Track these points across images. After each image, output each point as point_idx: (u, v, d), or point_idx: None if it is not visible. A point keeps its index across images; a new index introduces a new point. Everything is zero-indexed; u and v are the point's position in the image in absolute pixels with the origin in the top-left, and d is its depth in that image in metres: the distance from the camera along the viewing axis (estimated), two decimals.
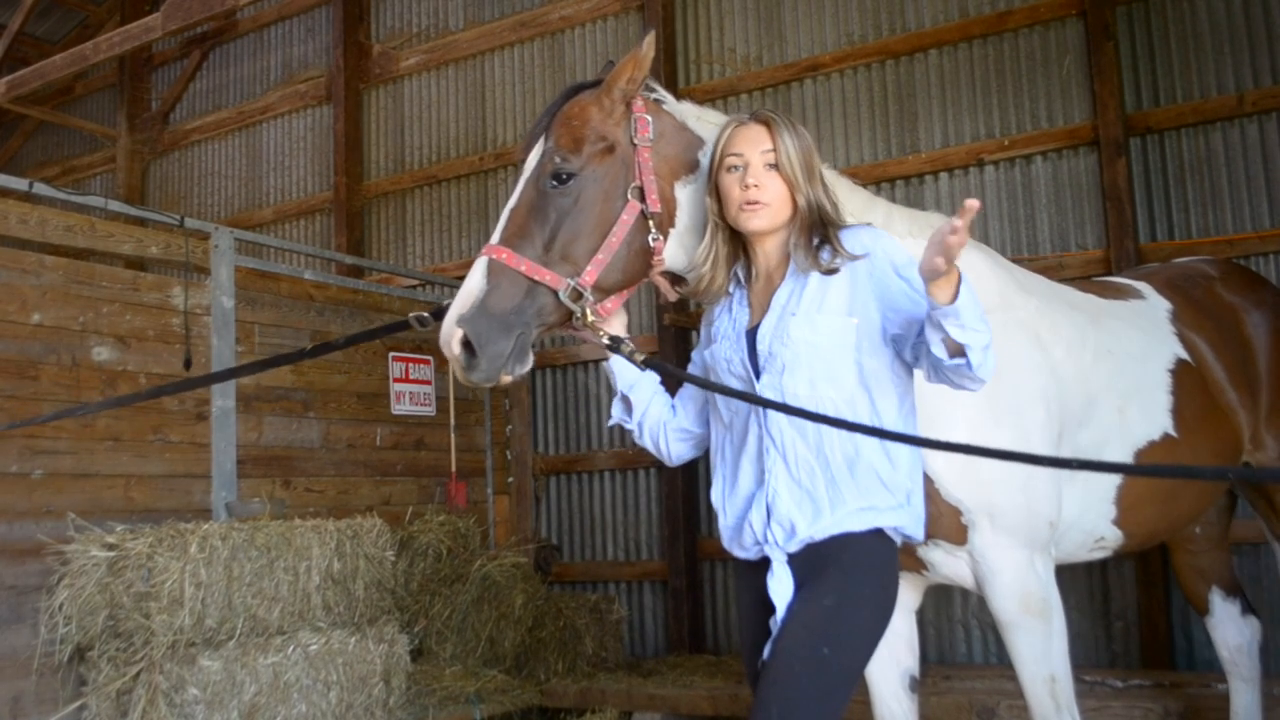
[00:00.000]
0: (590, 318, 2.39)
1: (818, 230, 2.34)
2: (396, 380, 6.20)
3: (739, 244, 2.45)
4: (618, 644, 5.99)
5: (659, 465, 6.63)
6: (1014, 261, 3.44)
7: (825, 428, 2.24)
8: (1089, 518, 2.96)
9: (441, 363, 6.47)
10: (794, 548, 2.26)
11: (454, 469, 6.42)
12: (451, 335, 2.32)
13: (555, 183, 2.44)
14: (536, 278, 2.36)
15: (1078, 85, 5.65)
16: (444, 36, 7.98)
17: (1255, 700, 3.75)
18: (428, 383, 6.40)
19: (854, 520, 2.24)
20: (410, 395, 6.27)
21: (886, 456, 2.27)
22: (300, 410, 5.60)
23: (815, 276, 2.31)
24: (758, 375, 2.35)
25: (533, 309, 2.37)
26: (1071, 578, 5.25)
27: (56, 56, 6.94)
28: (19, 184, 4.61)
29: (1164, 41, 5.50)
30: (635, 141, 2.49)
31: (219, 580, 4.04)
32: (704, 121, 2.61)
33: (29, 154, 10.69)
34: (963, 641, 5.62)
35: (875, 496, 2.25)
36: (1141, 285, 3.54)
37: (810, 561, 2.26)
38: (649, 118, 2.52)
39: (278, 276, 5.69)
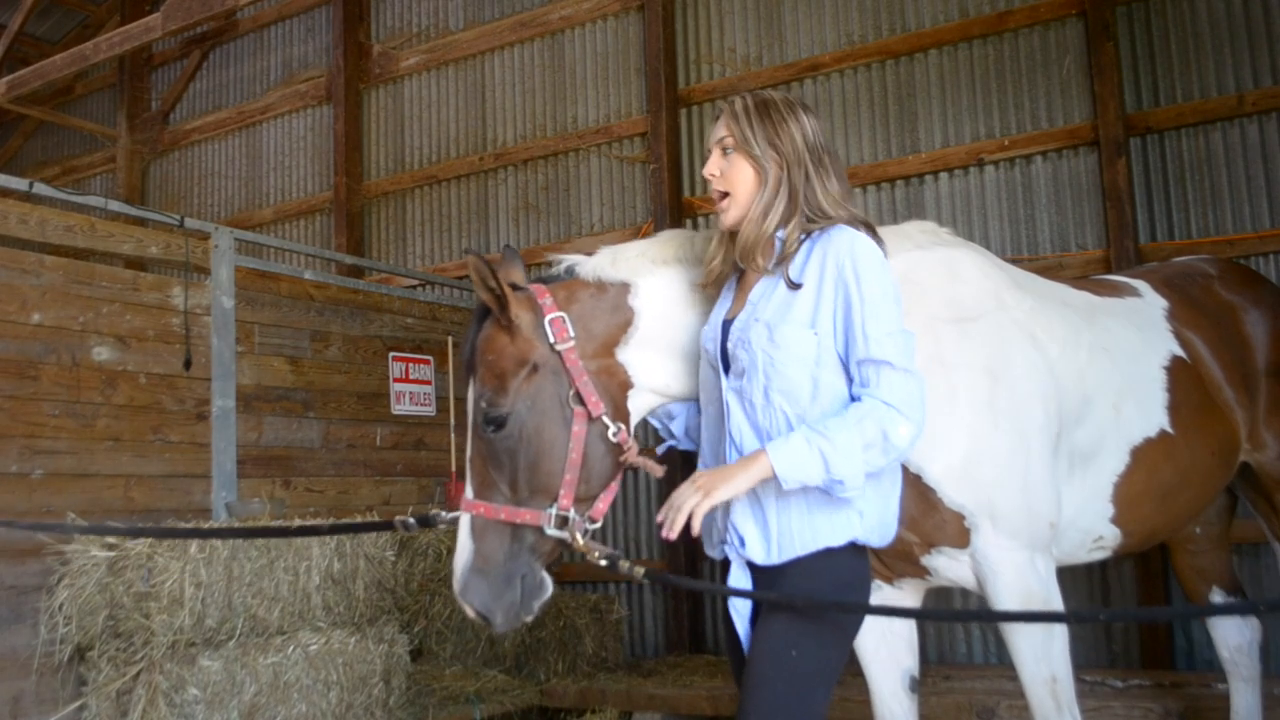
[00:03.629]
0: (581, 542, 2.32)
1: (782, 217, 2.28)
2: (396, 380, 6.20)
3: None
4: (618, 644, 5.99)
5: None
6: (1013, 262, 3.45)
7: (777, 435, 2.20)
8: (1086, 516, 2.96)
9: (441, 362, 6.47)
10: (750, 559, 2.26)
11: (454, 469, 6.41)
12: (464, 605, 2.36)
13: (493, 428, 2.34)
14: (518, 520, 2.33)
15: (1078, 85, 5.65)
16: (444, 36, 7.98)
17: (1255, 700, 3.74)
18: (428, 383, 6.40)
19: (797, 546, 2.21)
20: (410, 395, 6.27)
21: None
22: (300, 410, 5.60)
23: (783, 285, 2.27)
24: (726, 371, 2.34)
25: (524, 550, 2.35)
26: (1071, 578, 5.24)
27: (56, 56, 6.94)
28: (19, 184, 4.61)
29: (1164, 41, 5.50)
30: (557, 348, 2.37)
31: (219, 580, 4.04)
32: (621, 261, 2.51)
33: (29, 154, 10.69)
34: (962, 641, 5.62)
35: (822, 512, 2.21)
36: (1138, 283, 3.54)
37: (770, 572, 2.25)
38: (563, 315, 2.39)
39: (278, 276, 5.69)
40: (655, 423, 2.70)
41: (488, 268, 2.30)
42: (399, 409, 6.18)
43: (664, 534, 2.18)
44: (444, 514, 2.45)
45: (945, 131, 6.00)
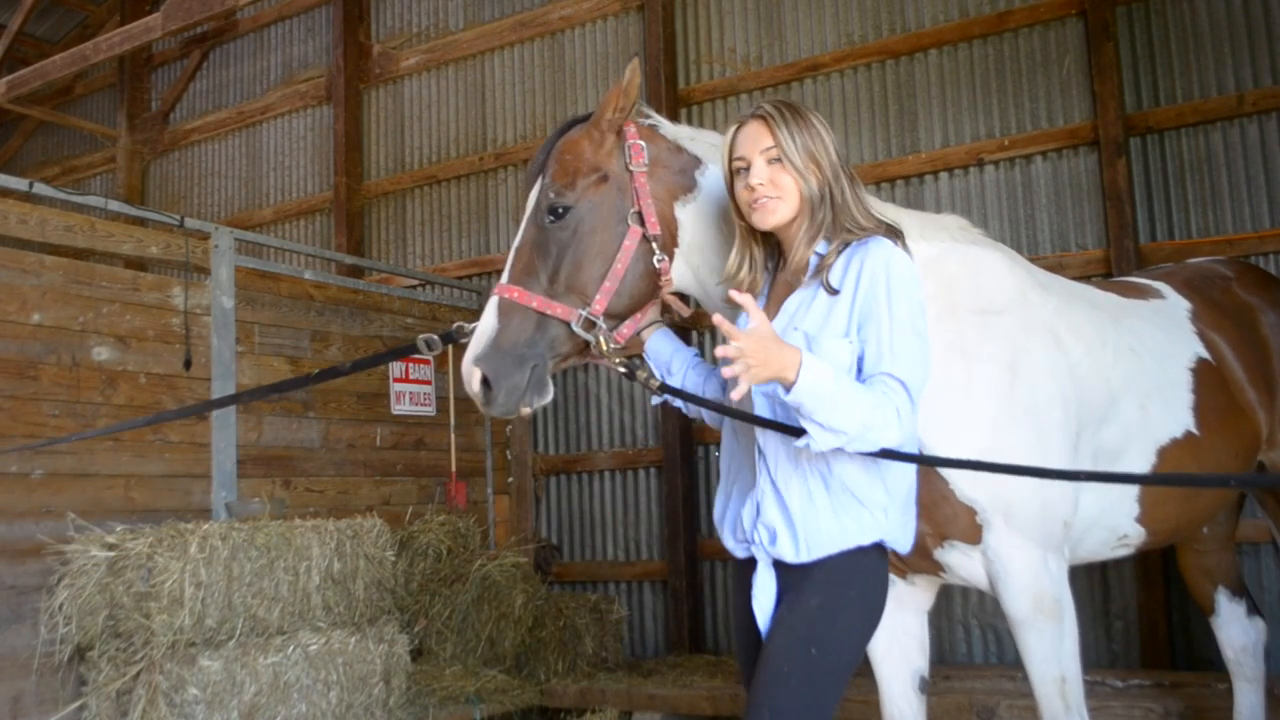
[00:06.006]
0: (606, 346, 2.44)
1: (827, 230, 2.32)
2: (396, 380, 6.20)
3: (770, 242, 2.45)
4: (618, 644, 5.99)
5: (659, 465, 6.63)
6: None
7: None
8: (1112, 515, 2.97)
9: (441, 363, 6.47)
10: (780, 557, 2.28)
11: (454, 469, 6.41)
12: (470, 374, 2.44)
13: (552, 217, 2.50)
14: (548, 311, 2.44)
15: (1078, 85, 5.65)
16: (444, 36, 7.98)
17: (1259, 701, 3.74)
18: (428, 383, 6.40)
19: (827, 545, 2.24)
20: (410, 395, 6.27)
21: (863, 472, 2.26)
22: (300, 410, 5.59)
23: (823, 292, 2.29)
24: None
25: (544, 341, 2.46)
26: (1072, 578, 5.22)
27: (56, 56, 6.94)
28: (19, 184, 4.61)
29: (1164, 41, 5.50)
30: (631, 168, 2.53)
31: (219, 580, 4.04)
32: (698, 141, 2.65)
33: (29, 154, 10.68)
34: (963, 641, 5.62)
35: (849, 513, 2.24)
36: (1160, 285, 3.54)
37: (799, 569, 2.27)
38: (643, 144, 2.55)
39: (278, 276, 5.69)
40: (659, 376, 2.70)
41: (643, 76, 2.41)
42: (399, 409, 6.18)
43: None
44: (468, 325, 2.53)
45: (945, 131, 6.00)
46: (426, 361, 6.38)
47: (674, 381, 2.66)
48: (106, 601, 3.99)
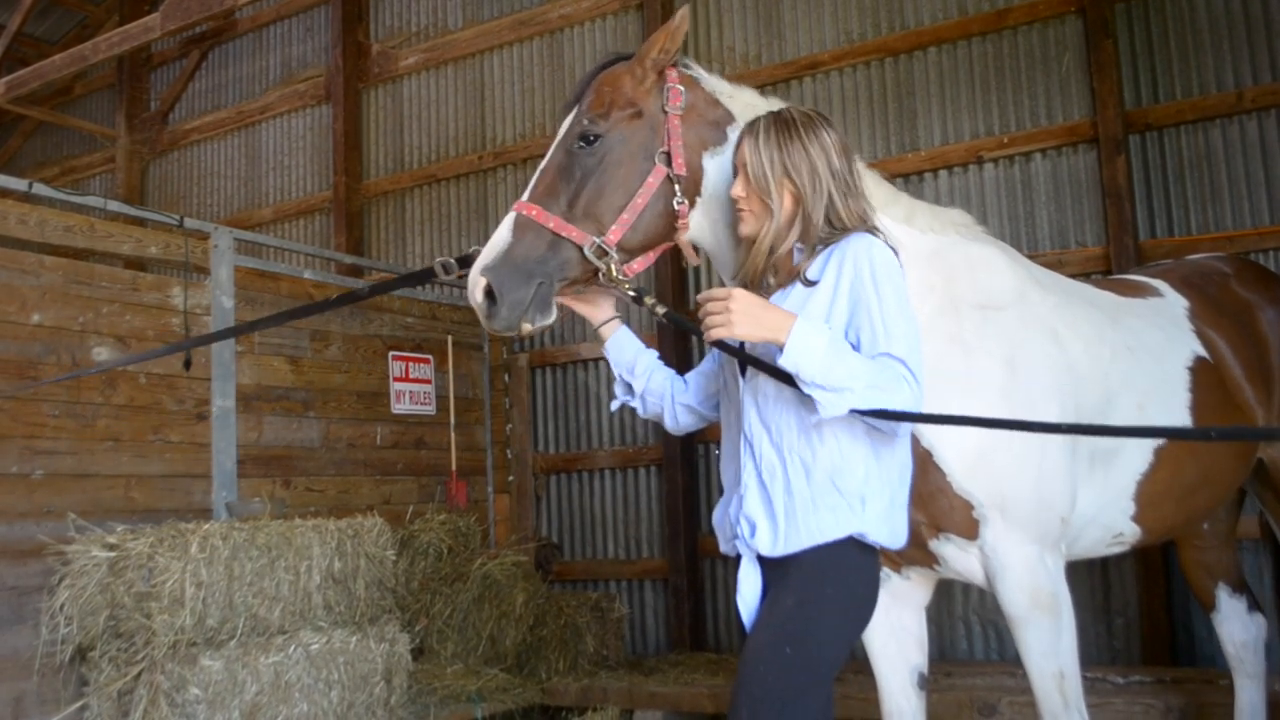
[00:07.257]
0: (616, 272, 2.47)
1: (802, 240, 2.36)
2: (396, 379, 6.20)
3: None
4: (619, 642, 5.99)
5: (660, 463, 6.63)
6: None
7: (785, 428, 2.27)
8: (1108, 514, 2.96)
9: (441, 361, 6.47)
10: (757, 549, 2.29)
11: (454, 468, 6.42)
12: (475, 284, 2.44)
13: (582, 144, 2.54)
14: (563, 234, 2.46)
15: (1077, 82, 5.65)
16: (443, 36, 7.98)
17: (1260, 697, 3.74)
18: (428, 382, 6.40)
19: (804, 538, 2.24)
20: (410, 394, 6.27)
21: (843, 461, 2.26)
22: (300, 410, 5.59)
23: (799, 285, 2.33)
24: (743, 374, 2.41)
25: (555, 261, 2.47)
26: (1072, 574, 5.22)
27: (56, 56, 6.95)
28: (19, 184, 4.61)
29: (1163, 38, 5.50)
30: (666, 109, 2.57)
31: (220, 580, 4.04)
32: (736, 99, 2.68)
33: (28, 154, 10.68)
34: (964, 638, 5.62)
35: (826, 504, 2.24)
36: (1159, 283, 3.53)
37: (779, 566, 2.29)
38: (682, 88, 2.60)
39: (277, 276, 5.69)
40: (619, 376, 2.73)
41: (677, 39, 2.56)
42: (399, 408, 6.19)
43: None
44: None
45: (944, 129, 6.00)
46: (426, 360, 6.38)
47: (637, 385, 2.69)
48: (107, 602, 3.99)
